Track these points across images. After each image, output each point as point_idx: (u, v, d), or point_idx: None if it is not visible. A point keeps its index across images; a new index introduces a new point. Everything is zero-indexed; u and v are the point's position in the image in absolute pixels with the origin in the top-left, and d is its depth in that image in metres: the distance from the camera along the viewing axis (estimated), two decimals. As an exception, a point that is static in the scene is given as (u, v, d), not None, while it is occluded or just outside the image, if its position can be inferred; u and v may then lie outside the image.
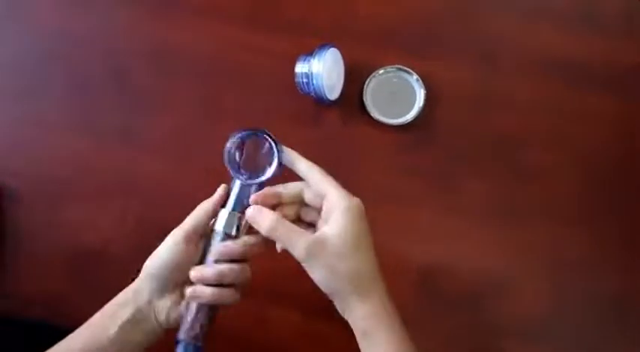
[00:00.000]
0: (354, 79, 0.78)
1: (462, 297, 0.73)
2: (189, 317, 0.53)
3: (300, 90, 0.75)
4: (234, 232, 0.54)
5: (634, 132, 0.77)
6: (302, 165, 0.53)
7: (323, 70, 0.71)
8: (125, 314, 0.52)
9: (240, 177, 0.54)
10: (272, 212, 0.51)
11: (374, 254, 0.51)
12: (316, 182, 0.52)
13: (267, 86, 0.79)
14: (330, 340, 0.71)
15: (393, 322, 0.50)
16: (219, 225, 0.54)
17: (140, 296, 0.53)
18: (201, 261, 0.54)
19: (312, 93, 0.74)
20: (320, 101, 0.74)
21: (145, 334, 0.53)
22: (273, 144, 0.54)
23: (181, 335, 0.53)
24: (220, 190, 0.55)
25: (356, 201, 0.51)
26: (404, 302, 0.72)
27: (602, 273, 0.73)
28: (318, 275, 0.49)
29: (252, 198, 0.53)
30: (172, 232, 0.53)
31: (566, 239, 0.74)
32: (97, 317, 0.53)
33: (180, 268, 0.53)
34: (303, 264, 0.49)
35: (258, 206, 0.52)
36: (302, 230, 0.50)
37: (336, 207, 0.50)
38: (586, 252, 0.73)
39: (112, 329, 0.51)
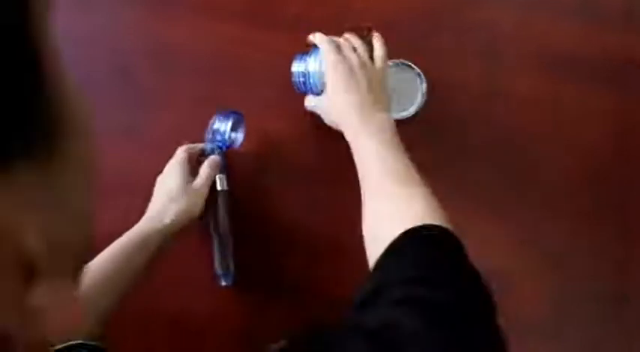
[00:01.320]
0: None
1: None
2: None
3: (296, 90, 0.74)
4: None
5: (635, 127, 0.77)
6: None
7: (320, 69, 0.70)
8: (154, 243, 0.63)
9: None
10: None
11: (347, 95, 0.65)
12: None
13: (268, 82, 0.80)
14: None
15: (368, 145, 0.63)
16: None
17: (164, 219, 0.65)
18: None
19: (309, 93, 0.74)
20: (314, 92, 0.74)
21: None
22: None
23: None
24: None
25: (329, 59, 0.66)
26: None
27: (603, 270, 0.73)
28: (322, 116, 0.72)
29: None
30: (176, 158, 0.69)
31: (567, 235, 0.74)
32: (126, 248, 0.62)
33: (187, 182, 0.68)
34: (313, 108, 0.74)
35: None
36: (318, 97, 0.72)
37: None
38: (587, 248, 0.73)
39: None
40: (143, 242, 0.63)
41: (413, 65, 0.77)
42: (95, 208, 0.26)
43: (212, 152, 0.73)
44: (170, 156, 0.69)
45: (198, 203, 0.67)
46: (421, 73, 0.77)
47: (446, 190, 0.76)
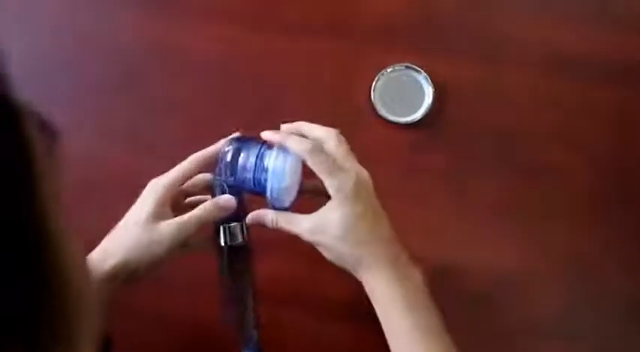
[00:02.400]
0: (362, 77, 0.77)
1: (473, 296, 0.72)
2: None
3: (220, 185, 0.56)
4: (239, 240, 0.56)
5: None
6: (293, 146, 0.53)
7: (288, 168, 0.53)
8: None
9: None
10: (266, 210, 0.53)
11: (376, 232, 0.52)
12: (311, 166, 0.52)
13: (274, 86, 0.79)
14: (342, 344, 0.70)
15: (392, 298, 0.51)
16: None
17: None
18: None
19: (261, 192, 0.54)
20: (273, 205, 0.55)
21: None
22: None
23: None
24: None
25: (346, 180, 0.51)
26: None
27: (615, 271, 0.72)
28: (324, 252, 0.52)
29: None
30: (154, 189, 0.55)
31: (578, 236, 0.73)
32: None
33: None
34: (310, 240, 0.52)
35: (255, 212, 0.54)
36: (300, 215, 0.53)
37: (332, 193, 0.51)
38: (599, 249, 0.73)
39: None
40: None
41: (420, 69, 0.77)
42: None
43: (221, 190, 0.55)
44: (173, 161, 0.60)
45: (161, 247, 0.51)
46: (428, 77, 0.76)
47: (454, 194, 0.75)
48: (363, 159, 0.76)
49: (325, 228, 0.51)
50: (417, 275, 0.53)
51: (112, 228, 0.54)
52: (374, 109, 0.76)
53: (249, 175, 0.53)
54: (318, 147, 0.52)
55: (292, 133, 0.54)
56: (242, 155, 0.54)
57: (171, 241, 0.51)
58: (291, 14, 0.81)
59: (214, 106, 0.79)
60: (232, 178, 0.54)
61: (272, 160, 0.53)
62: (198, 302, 0.69)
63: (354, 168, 0.53)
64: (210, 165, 0.56)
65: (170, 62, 0.81)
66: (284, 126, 0.55)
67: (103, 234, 0.53)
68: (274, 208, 0.54)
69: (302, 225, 0.52)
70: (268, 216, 0.54)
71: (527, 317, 0.71)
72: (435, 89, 0.76)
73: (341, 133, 0.55)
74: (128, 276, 0.52)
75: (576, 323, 0.71)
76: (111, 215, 0.53)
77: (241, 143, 0.55)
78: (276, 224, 0.53)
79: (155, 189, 0.54)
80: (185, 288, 0.70)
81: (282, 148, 0.53)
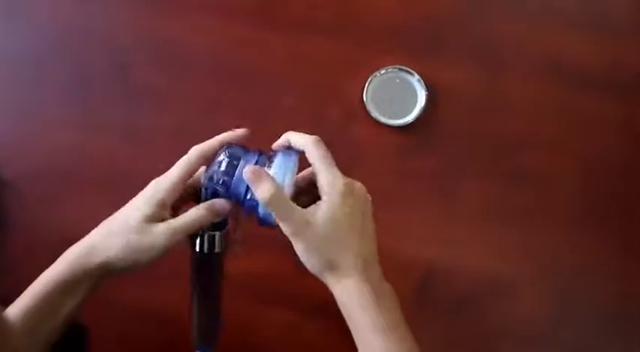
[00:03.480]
0: (355, 78, 0.78)
1: (462, 300, 0.73)
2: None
3: (212, 191, 0.52)
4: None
5: (638, 137, 0.77)
6: (297, 140, 0.52)
7: (286, 185, 0.50)
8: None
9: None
10: (272, 180, 0.49)
11: (359, 238, 0.50)
12: (310, 159, 0.51)
13: (268, 84, 0.79)
14: (325, 339, 0.70)
15: (368, 306, 0.48)
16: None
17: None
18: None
19: (252, 214, 0.51)
20: (263, 222, 0.51)
21: None
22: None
23: None
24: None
25: (343, 185, 0.50)
26: (403, 304, 0.71)
27: (602, 277, 0.73)
28: (299, 251, 0.49)
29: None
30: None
31: (567, 243, 0.74)
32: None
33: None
34: (290, 238, 0.49)
35: (260, 169, 0.49)
36: (295, 206, 0.49)
37: (323, 190, 0.49)
38: (587, 256, 0.73)
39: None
40: (71, 286, 0.50)
41: (413, 71, 0.77)
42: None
43: (212, 195, 0.52)
44: (167, 156, 0.57)
45: (152, 252, 0.49)
46: (421, 80, 0.77)
47: (443, 198, 0.76)
48: (352, 159, 0.77)
49: (309, 223, 0.48)
50: (390, 291, 0.51)
51: (102, 218, 0.54)
52: (366, 111, 0.77)
53: (243, 189, 0.50)
54: (319, 140, 0.52)
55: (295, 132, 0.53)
56: (240, 164, 0.51)
57: (163, 246, 0.50)
58: (288, 12, 0.81)
59: (208, 101, 0.79)
60: (224, 188, 0.51)
61: (271, 169, 0.50)
62: (179, 291, 0.70)
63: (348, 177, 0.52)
64: (210, 158, 0.53)
65: (165, 56, 0.81)
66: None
67: (92, 226, 0.53)
68: (262, 224, 0.51)
69: (291, 219, 0.49)
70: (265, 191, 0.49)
71: (514, 322, 0.72)
72: (428, 93, 0.77)
73: (322, 138, 0.53)
74: (113, 275, 0.51)
75: (562, 328, 0.72)
76: (103, 207, 0.53)
77: (236, 152, 0.52)
78: (271, 202, 0.49)
79: (155, 190, 0.52)
80: (166, 278, 0.70)
81: (281, 164, 0.51)
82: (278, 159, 0.51)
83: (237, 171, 0.51)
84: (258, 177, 0.48)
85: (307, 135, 0.52)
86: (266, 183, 0.48)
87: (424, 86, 0.77)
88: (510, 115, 0.77)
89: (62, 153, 0.78)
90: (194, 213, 0.51)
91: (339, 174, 0.51)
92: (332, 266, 0.49)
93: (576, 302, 0.72)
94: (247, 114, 0.78)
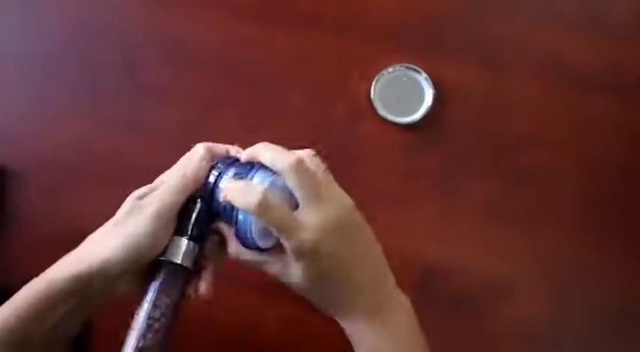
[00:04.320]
0: (363, 76, 0.78)
1: (462, 299, 0.73)
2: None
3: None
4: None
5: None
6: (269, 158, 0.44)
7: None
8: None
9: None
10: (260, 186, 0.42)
11: (361, 268, 0.45)
12: (290, 187, 0.43)
13: (276, 81, 0.79)
14: (326, 334, 0.70)
15: (380, 344, 0.45)
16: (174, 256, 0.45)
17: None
18: None
19: (236, 231, 0.45)
20: (244, 242, 0.46)
21: None
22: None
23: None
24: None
25: (330, 213, 0.42)
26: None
27: (603, 278, 0.73)
28: (304, 276, 0.43)
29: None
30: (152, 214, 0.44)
31: (568, 243, 0.74)
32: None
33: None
34: (296, 259, 0.42)
35: (237, 183, 0.43)
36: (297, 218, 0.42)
37: (305, 220, 0.42)
38: (588, 256, 0.73)
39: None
40: (51, 300, 0.44)
41: (421, 70, 0.77)
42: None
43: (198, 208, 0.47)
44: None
45: (149, 230, 0.44)
46: (429, 78, 0.77)
47: (450, 196, 0.76)
48: (359, 157, 0.77)
49: (289, 275, 0.43)
50: (400, 312, 0.46)
51: (106, 212, 0.54)
52: (373, 108, 0.77)
53: (227, 206, 0.44)
54: (300, 163, 0.42)
55: (273, 146, 0.45)
56: (223, 179, 0.46)
57: (150, 228, 0.44)
58: (296, 10, 0.81)
59: (214, 97, 0.79)
60: (211, 204, 0.46)
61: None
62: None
63: (335, 197, 0.44)
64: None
65: (172, 52, 0.81)
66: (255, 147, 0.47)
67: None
68: (247, 247, 0.45)
69: (270, 268, 0.44)
70: (232, 246, 0.45)
71: (513, 322, 0.72)
72: (436, 91, 0.76)
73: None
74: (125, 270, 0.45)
75: (562, 328, 0.71)
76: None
77: (223, 165, 0.47)
78: (238, 257, 0.45)
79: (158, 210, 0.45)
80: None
81: (260, 174, 0.44)
82: (255, 175, 0.44)
83: (221, 185, 0.46)
84: (238, 190, 0.42)
85: (285, 156, 0.43)
86: (249, 190, 0.41)
87: (431, 84, 0.76)
88: (514, 115, 0.77)
89: (69, 147, 0.78)
90: (171, 181, 0.45)
91: (324, 206, 0.43)
92: (332, 311, 0.45)
93: (577, 302, 0.72)
94: (253, 111, 0.78)
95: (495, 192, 0.75)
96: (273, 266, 0.45)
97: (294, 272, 0.43)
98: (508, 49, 0.79)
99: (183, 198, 0.46)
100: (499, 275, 0.73)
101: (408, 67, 0.77)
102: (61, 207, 0.76)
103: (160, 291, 0.45)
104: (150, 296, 0.44)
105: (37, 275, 0.48)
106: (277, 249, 0.44)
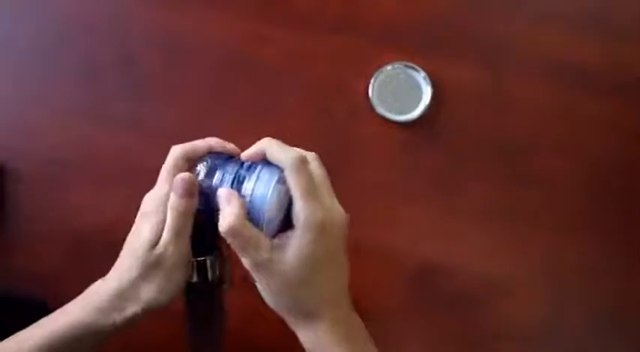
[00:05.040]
0: (361, 74, 0.78)
1: (458, 298, 0.73)
2: None
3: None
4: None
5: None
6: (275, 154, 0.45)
7: (270, 196, 0.43)
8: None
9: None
10: (237, 207, 0.42)
11: (330, 278, 0.45)
12: (289, 183, 0.43)
13: (274, 79, 0.79)
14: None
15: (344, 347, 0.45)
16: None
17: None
18: None
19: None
20: None
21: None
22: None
23: None
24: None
25: (320, 222, 0.42)
26: (399, 301, 0.72)
27: (602, 278, 0.73)
28: (261, 288, 0.45)
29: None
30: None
31: (567, 243, 0.74)
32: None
33: None
34: (251, 272, 0.44)
35: (231, 193, 0.43)
36: (261, 237, 0.42)
37: (297, 222, 0.43)
38: (587, 256, 0.74)
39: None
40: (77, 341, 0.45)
41: (419, 68, 0.77)
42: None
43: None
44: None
45: (173, 284, 0.45)
46: (427, 77, 0.77)
47: (446, 194, 0.76)
48: (357, 154, 0.77)
49: (276, 260, 0.43)
50: (362, 331, 0.47)
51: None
52: (371, 106, 0.77)
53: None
54: (304, 161, 0.43)
55: (277, 142, 0.45)
56: (216, 175, 0.45)
57: (180, 264, 0.46)
58: (295, 8, 0.81)
59: (214, 95, 0.79)
60: (203, 203, 0.45)
61: (251, 185, 0.43)
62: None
63: (327, 203, 0.44)
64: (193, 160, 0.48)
65: (172, 49, 0.81)
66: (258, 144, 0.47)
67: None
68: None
69: (254, 254, 0.43)
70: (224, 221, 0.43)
71: (511, 322, 0.72)
72: (434, 89, 0.77)
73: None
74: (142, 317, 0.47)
75: (560, 330, 0.72)
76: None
77: (217, 160, 0.46)
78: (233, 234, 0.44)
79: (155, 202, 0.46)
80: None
81: (266, 172, 0.44)
82: (260, 174, 0.44)
83: (213, 182, 0.45)
84: (227, 200, 0.43)
85: (289, 151, 0.44)
86: (231, 208, 0.42)
87: (429, 83, 0.77)
88: (514, 115, 0.77)
89: (69, 146, 0.79)
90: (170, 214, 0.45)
91: (318, 206, 0.43)
92: (299, 310, 0.45)
93: (575, 301, 0.72)
94: (252, 109, 0.79)
95: (493, 191, 0.75)
96: (252, 258, 0.44)
97: (287, 250, 0.43)
98: (507, 49, 0.80)
99: (189, 224, 0.45)
100: (497, 274, 0.73)
101: (406, 65, 0.78)
102: (61, 206, 0.76)
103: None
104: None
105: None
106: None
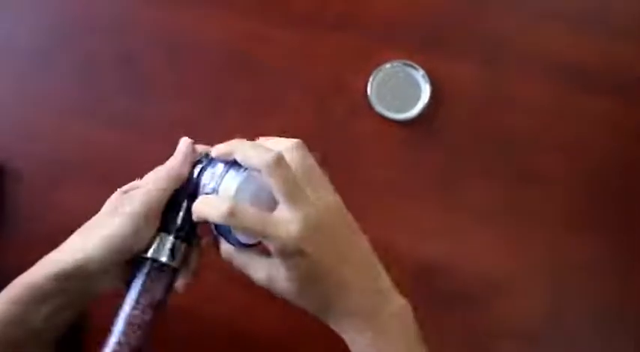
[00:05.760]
0: (360, 72, 0.78)
1: (458, 296, 0.73)
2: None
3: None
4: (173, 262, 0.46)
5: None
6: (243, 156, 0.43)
7: (250, 194, 0.43)
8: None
9: None
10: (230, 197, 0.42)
11: (335, 278, 0.42)
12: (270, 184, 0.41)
13: (274, 77, 0.80)
14: (319, 330, 0.71)
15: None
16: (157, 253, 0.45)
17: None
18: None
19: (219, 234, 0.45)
20: (227, 239, 0.45)
21: None
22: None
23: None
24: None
25: (311, 211, 0.41)
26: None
27: (602, 277, 0.73)
28: (293, 280, 0.42)
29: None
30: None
31: (567, 242, 0.74)
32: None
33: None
34: (282, 262, 0.42)
35: (204, 199, 0.43)
36: (258, 257, 0.42)
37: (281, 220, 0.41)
38: (586, 255, 0.73)
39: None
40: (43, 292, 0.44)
41: (418, 66, 0.77)
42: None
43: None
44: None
45: (130, 230, 0.44)
46: (426, 75, 0.77)
47: (445, 192, 0.76)
48: (355, 152, 0.77)
49: (277, 280, 0.41)
50: (396, 319, 0.44)
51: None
52: (370, 105, 0.77)
53: None
54: (278, 162, 0.40)
55: (249, 142, 0.43)
56: (205, 174, 0.45)
57: (130, 227, 0.45)
58: (294, 7, 0.81)
59: (213, 93, 0.80)
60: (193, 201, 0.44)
61: (229, 182, 0.42)
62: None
63: (317, 194, 0.42)
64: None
65: (172, 48, 0.81)
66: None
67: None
68: (231, 244, 0.44)
69: (257, 272, 0.43)
70: (223, 245, 0.44)
71: (512, 320, 0.72)
72: (433, 88, 0.77)
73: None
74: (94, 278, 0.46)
75: (561, 328, 0.72)
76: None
77: (211, 160, 0.46)
78: (230, 259, 0.44)
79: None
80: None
81: (244, 175, 0.43)
82: (227, 176, 0.43)
83: (202, 180, 0.45)
84: (204, 205, 0.41)
85: (262, 154, 0.41)
86: (221, 199, 0.41)
87: (428, 81, 0.77)
88: (512, 113, 0.77)
89: (69, 145, 0.79)
90: (153, 177, 0.46)
91: (301, 205, 0.41)
92: (325, 317, 0.44)
93: (575, 300, 0.72)
94: (252, 108, 0.79)
95: (493, 190, 0.75)
96: (260, 272, 0.43)
97: (280, 276, 0.42)
98: (507, 47, 0.80)
99: (166, 194, 0.46)
100: (498, 272, 0.73)
101: (405, 64, 0.78)
102: (61, 205, 0.76)
103: (143, 289, 0.45)
104: (132, 294, 0.45)
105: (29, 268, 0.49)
106: (262, 245, 0.43)
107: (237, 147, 0.42)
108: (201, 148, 0.50)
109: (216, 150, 0.44)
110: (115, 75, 0.80)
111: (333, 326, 0.44)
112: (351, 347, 0.44)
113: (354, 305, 0.43)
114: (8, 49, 0.82)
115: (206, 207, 0.41)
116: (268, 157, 0.40)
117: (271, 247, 0.40)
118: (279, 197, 0.41)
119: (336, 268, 0.42)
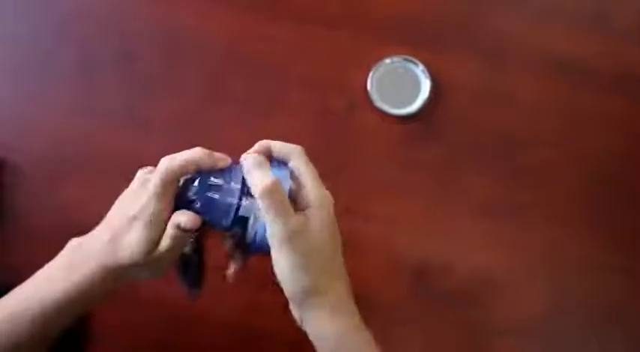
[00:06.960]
0: (360, 68, 0.78)
1: (457, 294, 0.73)
2: None
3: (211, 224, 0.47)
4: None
5: (639, 136, 0.76)
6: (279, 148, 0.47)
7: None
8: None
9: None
10: (269, 169, 0.44)
11: (339, 253, 0.47)
12: (297, 168, 0.46)
13: (273, 74, 0.79)
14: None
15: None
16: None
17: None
18: None
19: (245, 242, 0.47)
20: (258, 249, 0.47)
21: None
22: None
23: None
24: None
25: (330, 205, 0.46)
26: (398, 296, 0.72)
27: (601, 275, 0.73)
28: (289, 262, 0.44)
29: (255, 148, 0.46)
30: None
31: (566, 239, 0.74)
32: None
33: None
34: (279, 245, 0.43)
35: (259, 157, 0.45)
36: (289, 203, 0.44)
37: (312, 203, 0.45)
38: (586, 253, 0.73)
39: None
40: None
41: (418, 62, 0.77)
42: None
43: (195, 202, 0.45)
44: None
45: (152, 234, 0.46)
46: (426, 70, 0.77)
47: (445, 188, 0.76)
48: (355, 148, 0.77)
49: (305, 229, 0.44)
50: (361, 325, 0.47)
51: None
52: (370, 100, 0.77)
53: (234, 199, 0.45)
54: (273, 188, 0.43)
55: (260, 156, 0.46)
56: (212, 176, 0.45)
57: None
58: (294, 3, 0.81)
59: (213, 90, 0.79)
60: (198, 203, 0.45)
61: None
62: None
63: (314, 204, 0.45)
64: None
65: (171, 44, 0.81)
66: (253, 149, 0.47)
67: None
68: (253, 251, 0.48)
69: (290, 219, 0.44)
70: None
71: (510, 318, 0.72)
72: (432, 83, 0.77)
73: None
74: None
75: (559, 324, 0.72)
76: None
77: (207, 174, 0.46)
78: (269, 195, 0.44)
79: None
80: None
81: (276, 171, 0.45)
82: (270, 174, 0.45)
83: (210, 181, 0.45)
84: (258, 166, 0.44)
85: (290, 144, 0.47)
86: (263, 171, 0.44)
87: (428, 76, 0.77)
88: (511, 110, 0.77)
89: (67, 141, 0.79)
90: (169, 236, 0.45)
91: (327, 191, 0.46)
92: (315, 286, 0.45)
93: (574, 298, 0.72)
94: (252, 103, 0.78)
95: (492, 186, 0.75)
96: (284, 223, 0.44)
97: (280, 256, 0.44)
98: (507, 44, 0.79)
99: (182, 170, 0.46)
100: (496, 270, 0.73)
101: (405, 59, 0.78)
102: (60, 200, 0.76)
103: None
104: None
105: (35, 269, 0.48)
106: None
107: (270, 142, 0.47)
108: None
109: (252, 151, 0.47)
110: (114, 71, 0.80)
111: (307, 313, 0.47)
112: (317, 344, 0.47)
113: (335, 294, 0.46)
114: (8, 47, 0.82)
115: (255, 171, 0.44)
116: (297, 146, 0.46)
117: (279, 229, 0.43)
118: (310, 177, 0.45)
119: (329, 254, 0.46)
